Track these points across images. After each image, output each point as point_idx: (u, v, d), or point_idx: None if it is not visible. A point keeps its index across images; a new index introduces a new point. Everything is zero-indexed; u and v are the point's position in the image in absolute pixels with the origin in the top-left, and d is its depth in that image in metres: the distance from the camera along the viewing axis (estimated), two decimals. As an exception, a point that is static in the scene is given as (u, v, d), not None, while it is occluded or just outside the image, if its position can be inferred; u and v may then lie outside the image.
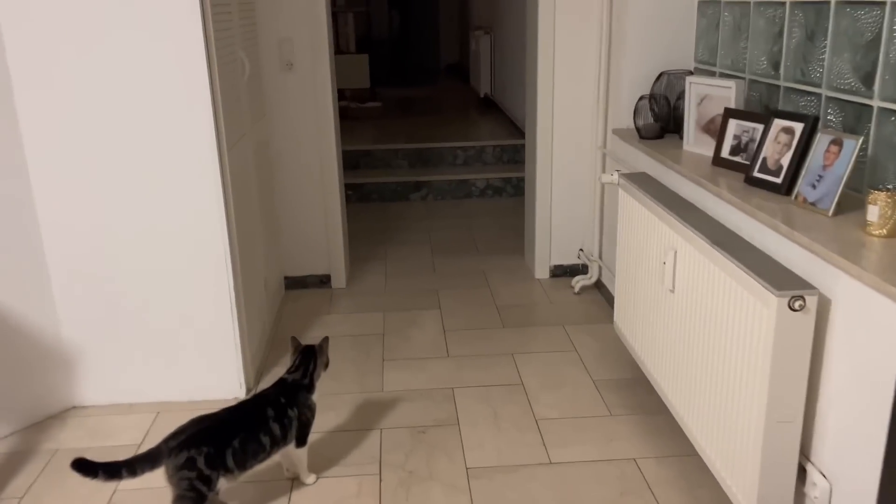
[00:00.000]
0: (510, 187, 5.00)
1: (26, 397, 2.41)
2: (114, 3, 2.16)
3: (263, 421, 1.90)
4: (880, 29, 1.78)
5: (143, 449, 2.21)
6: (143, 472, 1.75)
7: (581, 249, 3.53)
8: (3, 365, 2.32)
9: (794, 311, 1.56)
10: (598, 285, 3.40)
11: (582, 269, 3.55)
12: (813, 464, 1.69)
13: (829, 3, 1.98)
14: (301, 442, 2.02)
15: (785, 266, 1.71)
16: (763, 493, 1.68)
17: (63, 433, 2.38)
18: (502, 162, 5.29)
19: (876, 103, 1.80)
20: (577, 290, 3.40)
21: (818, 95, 2.05)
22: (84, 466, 1.71)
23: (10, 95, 2.20)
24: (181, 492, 1.75)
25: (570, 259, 3.57)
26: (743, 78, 2.47)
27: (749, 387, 1.68)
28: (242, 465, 1.84)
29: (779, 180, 1.94)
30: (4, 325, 2.31)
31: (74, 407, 2.53)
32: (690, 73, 2.79)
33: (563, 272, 3.58)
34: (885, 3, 1.76)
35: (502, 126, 6.00)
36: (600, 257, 3.38)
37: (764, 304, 1.60)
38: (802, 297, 1.55)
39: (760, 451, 1.66)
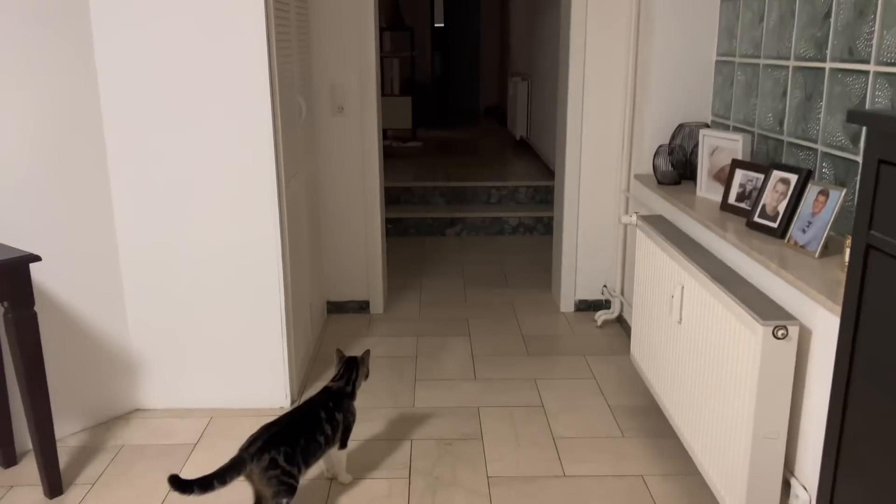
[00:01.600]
0: (541, 226, 5.25)
1: (96, 398, 2.70)
2: (196, 47, 2.49)
3: (318, 423, 2.15)
4: (865, 94, 2.01)
5: (199, 448, 2.49)
6: (231, 479, 1.93)
7: (605, 285, 3.75)
8: (79, 368, 2.62)
9: (778, 339, 1.78)
10: (620, 320, 3.62)
11: (605, 304, 3.77)
12: (796, 478, 1.89)
13: (824, 69, 2.22)
14: (343, 444, 2.26)
15: (773, 300, 1.93)
16: (751, 502, 1.88)
17: (127, 432, 2.66)
18: (534, 202, 5.55)
19: (860, 159, 2.03)
20: (599, 323, 3.62)
21: (815, 150, 2.28)
22: (179, 483, 1.86)
23: (100, 132, 2.54)
24: (276, 488, 1.98)
25: (594, 294, 3.79)
26: (752, 132, 2.71)
27: (740, 406, 1.89)
28: (307, 462, 2.09)
29: (775, 225, 2.17)
30: (83, 333, 2.61)
31: (137, 409, 2.82)
32: (707, 125, 3.04)
33: (588, 306, 3.80)
34: (868, 73, 1.99)
35: (536, 168, 6.28)
36: (622, 293, 3.60)
37: (752, 332, 1.82)
38: (785, 327, 1.77)
39: (748, 464, 1.86)
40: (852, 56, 2.07)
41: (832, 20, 2.17)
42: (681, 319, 2.32)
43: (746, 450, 1.86)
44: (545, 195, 5.52)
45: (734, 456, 1.93)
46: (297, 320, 2.95)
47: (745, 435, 1.87)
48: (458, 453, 2.51)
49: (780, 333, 1.77)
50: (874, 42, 1.97)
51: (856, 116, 1.11)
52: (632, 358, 2.88)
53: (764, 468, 1.86)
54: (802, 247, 2.01)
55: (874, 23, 1.97)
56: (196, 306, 2.72)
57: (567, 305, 3.81)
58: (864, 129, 1.20)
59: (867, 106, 2.00)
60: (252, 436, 2.04)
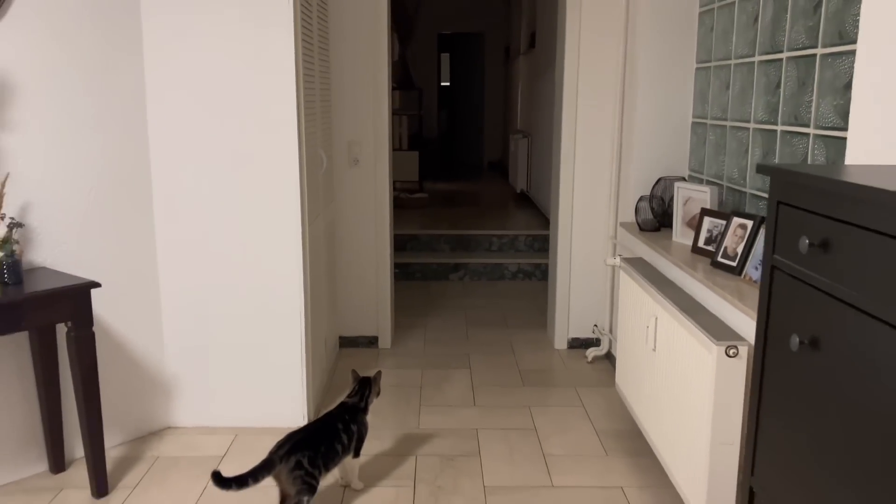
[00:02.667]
0: (539, 272, 5.59)
1: (134, 415, 3.01)
2: (235, 109, 2.88)
3: (336, 433, 2.46)
4: (807, 152, 2.38)
5: (226, 460, 2.79)
6: (262, 478, 2.24)
7: (595, 325, 4.08)
8: (121, 388, 2.94)
9: (730, 356, 2.10)
10: (609, 356, 3.93)
11: (595, 342, 4.08)
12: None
13: (776, 131, 2.59)
14: (356, 453, 2.57)
15: (730, 327, 2.26)
16: (711, 502, 2.17)
17: (162, 445, 2.96)
18: (533, 249, 5.91)
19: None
20: (590, 359, 3.93)
21: (770, 200, 2.63)
22: (220, 479, 2.18)
23: (149, 180, 2.91)
24: (299, 487, 2.29)
25: (585, 333, 4.11)
26: (722, 184, 3.08)
27: (700, 417, 2.20)
28: (327, 467, 2.39)
29: (734, 264, 2.51)
30: (124, 355, 2.94)
31: (169, 427, 3.12)
32: (684, 179, 3.41)
33: (580, 344, 4.12)
34: (809, 135, 2.36)
35: (535, 218, 6.66)
36: (611, 332, 3.92)
37: (708, 351, 2.14)
38: (736, 346, 2.09)
39: (708, 469, 2.16)
40: (797, 121, 2.45)
41: (781, 90, 2.55)
42: (655, 347, 2.64)
43: (706, 456, 2.17)
44: (543, 244, 5.88)
45: (697, 462, 2.23)
46: (315, 350, 3.27)
47: (705, 443, 2.17)
48: (459, 467, 2.80)
49: (731, 352, 2.09)
50: (812, 109, 2.34)
51: (762, 168, 1.45)
52: (616, 387, 3.19)
53: (722, 472, 2.16)
54: (755, 281, 2.35)
55: (812, 94, 2.35)
56: (225, 335, 3.05)
57: (560, 343, 4.12)
58: (770, 178, 1.55)
59: (809, 160, 2.37)
60: (280, 441, 2.35)
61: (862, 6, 1.70)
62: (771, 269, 1.47)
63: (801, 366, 1.36)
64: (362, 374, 2.68)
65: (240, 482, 2.21)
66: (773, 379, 1.47)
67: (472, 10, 10.53)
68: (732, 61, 2.97)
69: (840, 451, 1.24)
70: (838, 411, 1.25)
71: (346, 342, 4.13)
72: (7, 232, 2.37)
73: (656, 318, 2.63)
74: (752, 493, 1.58)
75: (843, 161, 2.02)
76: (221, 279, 3.01)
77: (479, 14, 10.85)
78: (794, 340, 1.32)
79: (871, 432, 1.15)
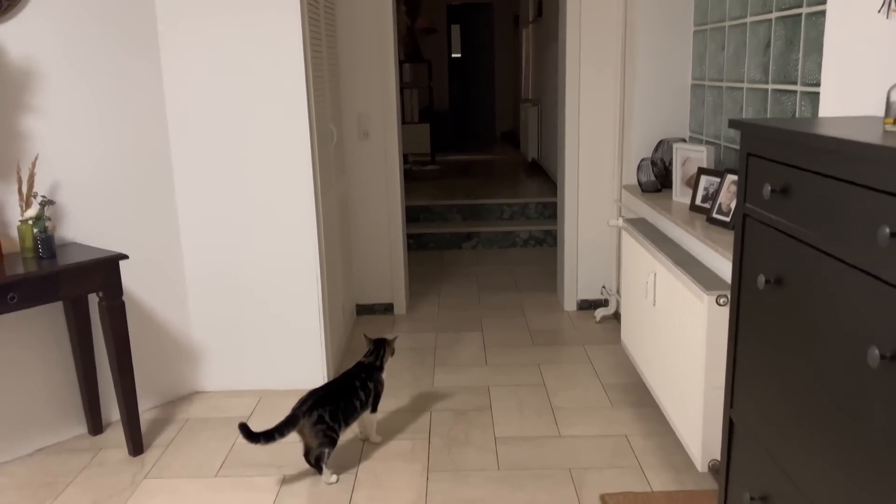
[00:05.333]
0: (550, 238, 5.71)
1: (165, 381, 3.19)
2: (248, 86, 3.01)
3: (354, 390, 2.62)
4: (794, 109, 2.47)
5: (252, 419, 2.96)
6: (288, 433, 2.41)
7: (603, 286, 4.20)
8: (151, 355, 3.12)
9: (720, 305, 2.22)
10: (616, 315, 4.06)
11: (604, 303, 4.21)
12: (742, 421, 2.31)
13: (767, 90, 2.68)
14: (374, 409, 2.73)
15: (722, 278, 2.38)
16: (706, 442, 2.30)
17: (191, 408, 3.15)
18: (544, 217, 6.02)
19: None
20: (598, 319, 4.06)
21: (763, 157, 2.73)
22: (249, 433, 2.34)
23: (168, 155, 3.07)
24: (321, 440, 2.46)
25: (594, 294, 4.24)
26: (720, 144, 3.17)
27: (695, 365, 2.33)
28: (347, 421, 2.56)
29: (728, 219, 2.62)
30: (153, 324, 3.11)
31: (197, 392, 3.30)
32: (684, 140, 3.50)
33: (588, 305, 4.25)
34: (796, 93, 2.45)
35: (546, 186, 6.75)
36: (618, 292, 4.04)
37: (700, 301, 2.26)
38: (726, 295, 2.21)
39: (702, 412, 2.29)
40: (786, 79, 2.53)
41: (772, 50, 2.64)
42: (655, 301, 2.76)
43: (700, 400, 2.30)
44: (553, 210, 5.99)
45: (692, 406, 2.37)
46: (333, 316, 3.43)
47: (699, 387, 2.30)
48: (471, 420, 2.96)
49: (721, 301, 2.21)
50: (799, 67, 2.43)
51: (734, 123, 1.56)
52: (622, 343, 3.32)
53: (715, 414, 2.29)
54: (747, 235, 2.46)
55: (799, 52, 2.43)
56: (248, 304, 3.21)
57: (570, 305, 4.25)
58: (740, 132, 1.65)
59: (797, 114, 2.46)
60: (302, 398, 2.52)
61: (833, -34, 1.79)
62: (743, 217, 1.59)
63: (769, 304, 1.48)
64: (377, 337, 2.83)
65: (267, 436, 2.38)
66: (746, 318, 1.60)
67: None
68: (727, 23, 3.05)
69: (805, 381, 1.37)
70: (802, 344, 1.37)
71: (363, 309, 4.29)
72: (40, 209, 2.53)
73: (655, 274, 2.75)
74: (731, 424, 1.72)
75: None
76: (241, 251, 3.16)
77: (487, -16, 10.84)
78: (761, 279, 1.45)
79: (831, 362, 1.27)
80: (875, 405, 1.13)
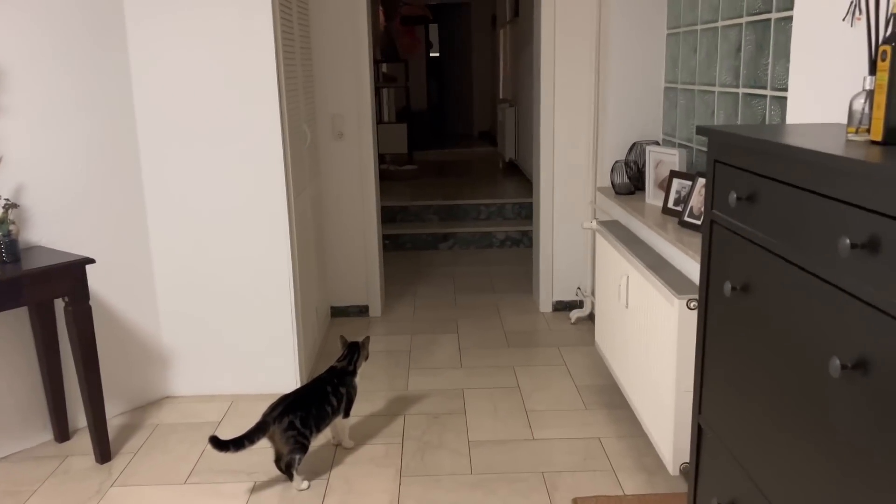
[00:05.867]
0: (526, 239, 5.71)
1: (133, 386, 3.14)
2: (218, 85, 2.97)
3: (326, 395, 2.59)
4: (764, 114, 2.48)
5: (223, 425, 2.93)
6: (258, 439, 2.38)
7: (578, 287, 4.21)
8: (119, 360, 3.07)
9: (691, 309, 2.22)
10: (591, 317, 4.06)
11: (579, 304, 4.22)
12: (712, 424, 2.32)
13: (738, 94, 2.70)
14: (346, 414, 2.71)
15: (692, 281, 2.38)
16: (677, 446, 2.31)
17: (161, 413, 3.11)
18: (521, 217, 6.02)
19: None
20: (573, 320, 4.07)
21: (734, 161, 2.74)
22: (218, 443, 2.32)
23: (137, 157, 3.02)
24: (292, 446, 2.43)
25: (569, 296, 4.24)
26: (692, 147, 3.18)
27: (666, 368, 2.34)
28: (318, 427, 2.53)
29: (699, 222, 2.62)
30: (121, 328, 3.07)
31: (168, 396, 3.26)
32: (657, 143, 3.51)
33: (564, 307, 4.25)
34: (766, 97, 2.47)
35: (522, 186, 6.76)
36: (593, 294, 4.04)
37: (671, 304, 2.27)
38: (696, 300, 2.22)
39: (673, 414, 2.30)
40: (756, 83, 2.55)
41: (742, 54, 2.65)
42: (627, 304, 2.77)
43: (672, 403, 2.30)
44: (530, 211, 5.99)
45: (664, 409, 2.37)
46: (306, 319, 3.40)
47: (670, 390, 2.31)
48: (445, 423, 2.95)
49: (692, 305, 2.22)
50: (769, 72, 2.44)
51: (701, 130, 1.56)
52: (596, 345, 3.32)
53: (686, 417, 2.29)
54: (717, 238, 2.46)
55: (769, 57, 2.44)
56: (219, 307, 3.17)
57: (545, 306, 4.26)
58: (707, 139, 1.66)
59: (766, 121, 2.47)
60: (273, 404, 2.49)
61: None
62: (710, 223, 1.59)
63: (736, 310, 1.48)
64: (352, 341, 2.81)
65: (237, 444, 2.35)
66: (714, 324, 1.60)
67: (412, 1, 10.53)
68: (699, 27, 3.06)
69: (770, 388, 1.37)
70: (767, 351, 1.37)
71: (338, 311, 4.26)
72: (3, 212, 2.48)
73: (628, 277, 2.75)
74: (700, 430, 1.72)
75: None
76: (212, 253, 3.12)
77: (465, -17, 10.82)
78: (727, 286, 1.45)
79: (795, 370, 1.27)
80: (837, 413, 1.14)
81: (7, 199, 2.54)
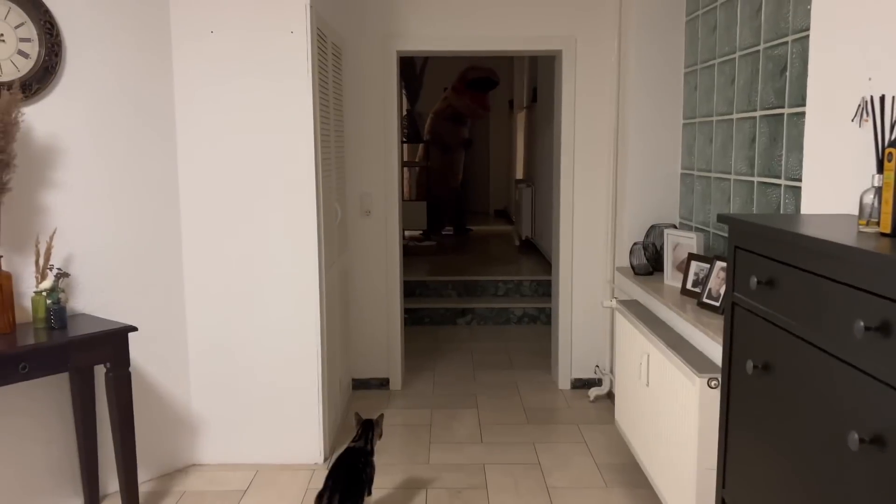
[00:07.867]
0: (544, 316, 5.80)
1: (162, 453, 3.21)
2: (262, 167, 3.15)
3: (360, 477, 2.63)
4: (779, 201, 2.61)
5: (248, 494, 2.97)
6: None
7: (597, 365, 4.27)
8: (150, 426, 3.15)
9: (712, 388, 2.30)
10: (610, 395, 4.11)
11: (597, 382, 4.27)
12: (734, 502, 2.36)
13: (753, 182, 2.83)
14: (369, 492, 2.75)
15: (712, 360, 2.46)
16: (699, 524, 2.35)
17: (188, 481, 3.16)
18: (538, 294, 6.12)
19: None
20: (592, 398, 4.11)
21: (750, 245, 2.86)
22: None
23: (178, 234, 3.17)
24: None
25: (587, 373, 4.30)
26: (708, 231, 3.31)
27: (687, 446, 2.39)
28: None
29: (718, 304, 2.72)
30: (154, 395, 3.16)
31: (194, 464, 3.31)
32: (675, 226, 3.64)
33: (582, 384, 4.30)
34: (780, 186, 2.60)
35: (539, 264, 6.89)
36: (612, 372, 4.10)
37: (692, 383, 2.34)
38: (717, 378, 2.30)
39: (695, 493, 2.34)
40: (770, 173, 2.69)
41: (756, 145, 2.80)
42: (648, 382, 2.84)
43: (693, 481, 2.35)
44: (547, 288, 6.10)
45: (685, 487, 2.42)
46: (331, 391, 3.48)
47: (692, 468, 2.36)
48: (466, 499, 2.98)
49: (712, 384, 2.30)
50: (783, 163, 2.59)
51: (722, 218, 1.69)
52: (616, 423, 3.37)
53: (708, 496, 2.34)
54: (736, 320, 2.56)
55: (782, 149, 2.59)
56: (248, 377, 3.26)
57: (564, 383, 4.31)
58: (728, 226, 1.78)
59: (781, 209, 2.60)
60: (320, 491, 2.52)
61: (808, 76, 1.96)
62: (732, 306, 1.69)
63: (758, 388, 1.57)
64: (373, 414, 2.87)
65: None
66: (737, 401, 1.68)
67: (477, 65, 10.93)
68: (714, 118, 3.23)
69: (792, 463, 1.44)
70: (789, 427, 1.45)
71: (359, 384, 4.33)
72: (54, 281, 2.61)
73: (648, 356, 2.83)
74: (724, 505, 1.77)
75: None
76: (245, 325, 3.24)
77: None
78: (749, 365, 1.54)
79: (816, 445, 1.35)
80: (857, 487, 1.21)
81: (59, 269, 2.68)
